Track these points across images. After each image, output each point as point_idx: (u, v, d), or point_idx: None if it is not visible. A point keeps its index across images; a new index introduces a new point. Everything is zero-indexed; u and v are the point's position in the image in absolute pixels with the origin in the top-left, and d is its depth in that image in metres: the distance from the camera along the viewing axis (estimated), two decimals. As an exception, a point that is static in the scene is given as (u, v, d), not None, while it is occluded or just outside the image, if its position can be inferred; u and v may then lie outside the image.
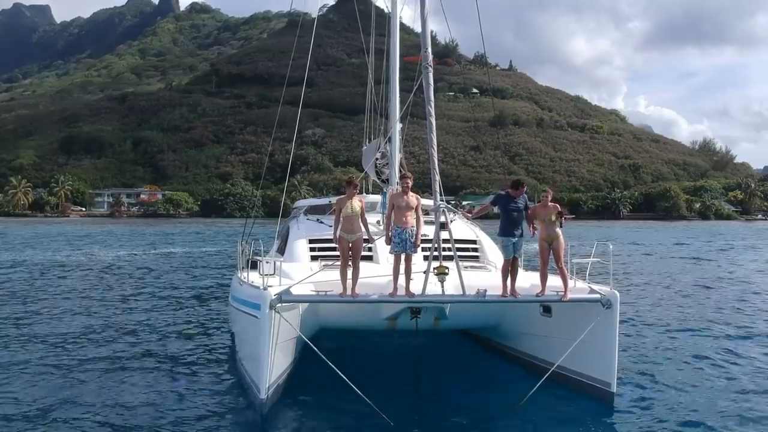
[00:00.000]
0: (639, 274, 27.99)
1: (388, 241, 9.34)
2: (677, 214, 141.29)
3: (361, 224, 9.37)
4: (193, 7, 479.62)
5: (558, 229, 9.53)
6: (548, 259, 9.59)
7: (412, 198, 9.33)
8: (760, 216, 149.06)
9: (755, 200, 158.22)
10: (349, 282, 9.18)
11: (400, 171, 14.20)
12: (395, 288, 9.18)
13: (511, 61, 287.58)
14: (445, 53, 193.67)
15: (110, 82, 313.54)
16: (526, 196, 9.79)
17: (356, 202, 9.34)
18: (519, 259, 9.73)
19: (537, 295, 9.63)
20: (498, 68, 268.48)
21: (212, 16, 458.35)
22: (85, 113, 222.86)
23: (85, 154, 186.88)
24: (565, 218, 9.69)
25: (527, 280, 10.01)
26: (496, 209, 10.01)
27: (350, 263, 9.29)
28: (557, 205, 9.66)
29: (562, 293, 9.52)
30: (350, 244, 9.26)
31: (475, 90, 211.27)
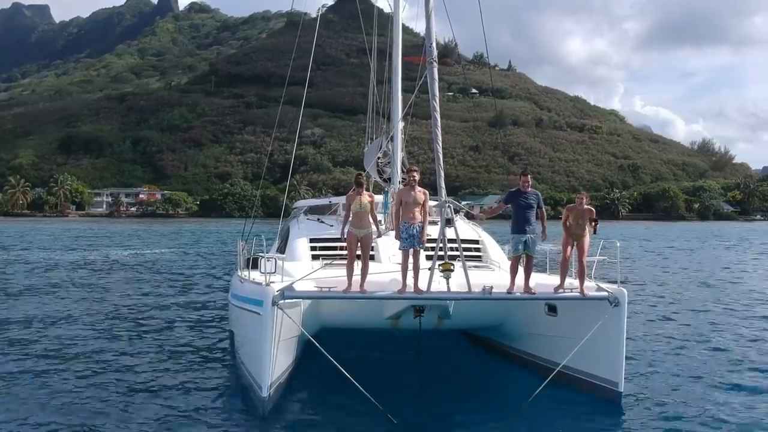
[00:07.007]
0: (642, 273, 27.88)
1: (398, 236, 9.17)
2: (676, 214, 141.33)
3: (371, 220, 9.26)
4: (192, 6, 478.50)
5: (587, 230, 9.52)
6: (570, 254, 9.54)
7: (420, 193, 9.18)
8: (758, 216, 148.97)
9: (754, 200, 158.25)
10: (356, 279, 9.07)
11: (404, 167, 14.09)
12: (404, 285, 9.02)
13: (510, 61, 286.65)
14: (445, 53, 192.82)
15: (109, 82, 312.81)
16: (539, 194, 9.69)
17: (366, 198, 9.26)
18: (532, 259, 9.64)
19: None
20: (497, 68, 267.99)
21: (211, 15, 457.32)
22: (84, 113, 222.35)
23: (84, 154, 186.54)
24: (596, 226, 9.63)
25: (532, 280, 9.93)
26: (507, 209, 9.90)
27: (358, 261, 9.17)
28: (592, 210, 9.62)
29: (572, 290, 9.45)
30: (359, 240, 9.14)
31: (474, 90, 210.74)
